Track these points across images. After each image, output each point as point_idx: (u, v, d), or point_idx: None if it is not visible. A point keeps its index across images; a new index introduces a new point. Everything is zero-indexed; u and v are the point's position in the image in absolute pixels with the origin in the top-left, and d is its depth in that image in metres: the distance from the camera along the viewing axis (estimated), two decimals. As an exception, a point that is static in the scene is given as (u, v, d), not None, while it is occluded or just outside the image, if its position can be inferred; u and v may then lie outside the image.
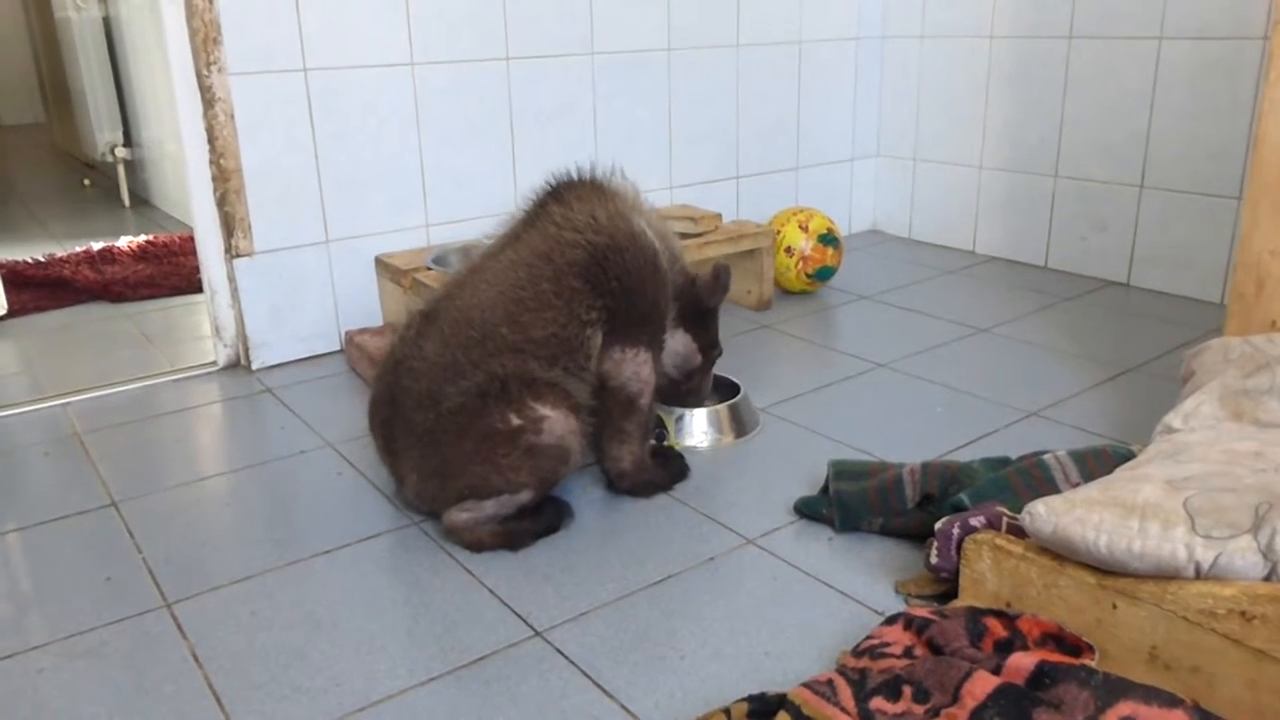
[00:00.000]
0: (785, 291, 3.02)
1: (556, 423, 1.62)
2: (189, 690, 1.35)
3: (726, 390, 2.12)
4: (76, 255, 3.55)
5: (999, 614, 1.30)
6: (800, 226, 2.94)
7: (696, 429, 2.04)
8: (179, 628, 1.48)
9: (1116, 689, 1.07)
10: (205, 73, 2.28)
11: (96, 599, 1.56)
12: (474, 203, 2.76)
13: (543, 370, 1.63)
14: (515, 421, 1.59)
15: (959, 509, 1.55)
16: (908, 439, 2.02)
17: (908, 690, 1.13)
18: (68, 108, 5.31)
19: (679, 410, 2.01)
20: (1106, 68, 2.92)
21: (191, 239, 2.80)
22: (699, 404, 2.00)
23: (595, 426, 1.74)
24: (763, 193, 3.36)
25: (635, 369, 1.72)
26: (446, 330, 1.64)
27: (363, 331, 2.55)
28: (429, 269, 2.43)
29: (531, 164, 2.80)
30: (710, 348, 1.91)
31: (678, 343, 1.88)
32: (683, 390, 1.94)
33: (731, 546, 1.67)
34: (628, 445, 1.79)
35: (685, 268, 1.84)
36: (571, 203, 1.70)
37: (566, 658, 1.38)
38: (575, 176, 1.73)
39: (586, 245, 1.65)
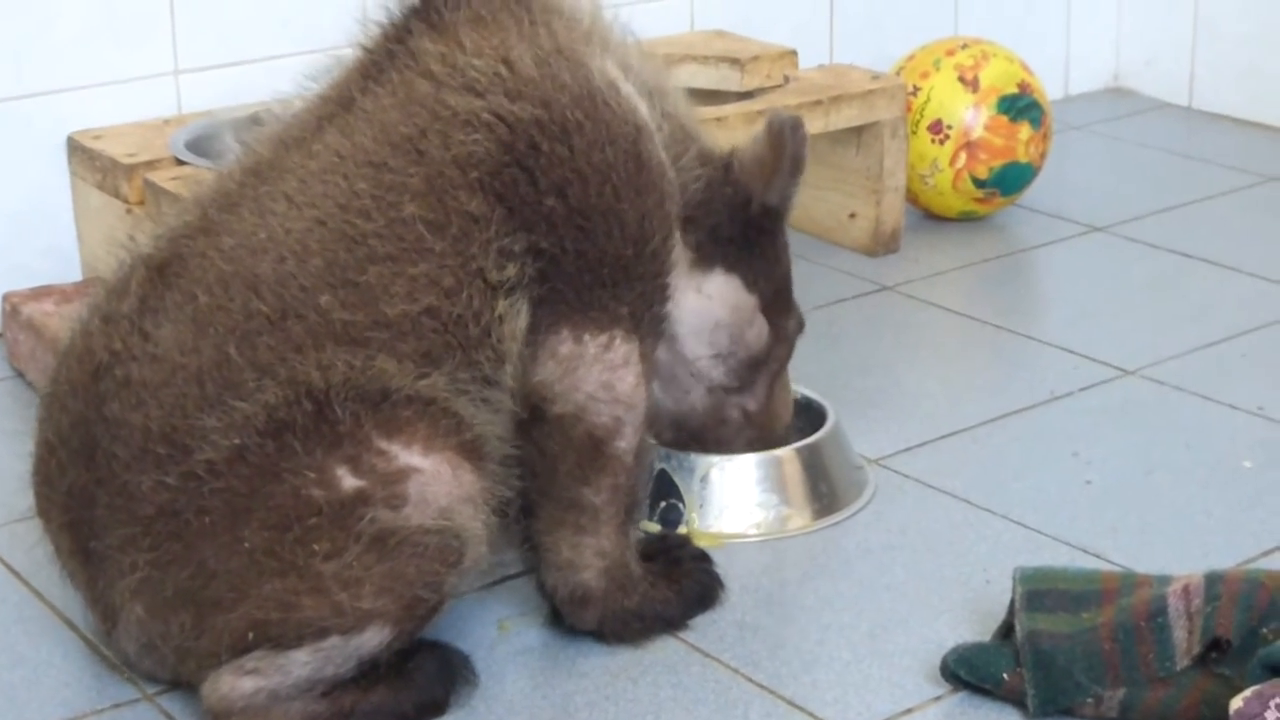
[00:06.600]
0: (930, 215, 2.44)
1: (434, 483, 1.28)
2: None
3: (799, 418, 1.93)
4: None
5: None
6: (962, 78, 2.39)
7: (737, 501, 1.73)
8: None
9: None
10: None
11: None
12: (271, 27, 2.26)
13: (406, 377, 1.27)
14: (348, 483, 1.27)
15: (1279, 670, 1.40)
16: (1176, 522, 1.70)
17: None
18: None
19: (709, 461, 1.73)
20: None
21: None
22: (773, 442, 1.71)
23: (523, 495, 1.41)
24: (887, 9, 2.74)
25: (605, 376, 1.38)
26: (203, 299, 1.31)
27: (41, 294, 2.14)
28: (181, 164, 2.06)
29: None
30: (781, 309, 1.54)
31: (715, 302, 1.51)
32: (730, 413, 1.61)
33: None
34: (591, 537, 1.45)
35: (706, 148, 1.51)
36: (460, 31, 1.34)
37: None
38: None
39: (495, 120, 1.33)
